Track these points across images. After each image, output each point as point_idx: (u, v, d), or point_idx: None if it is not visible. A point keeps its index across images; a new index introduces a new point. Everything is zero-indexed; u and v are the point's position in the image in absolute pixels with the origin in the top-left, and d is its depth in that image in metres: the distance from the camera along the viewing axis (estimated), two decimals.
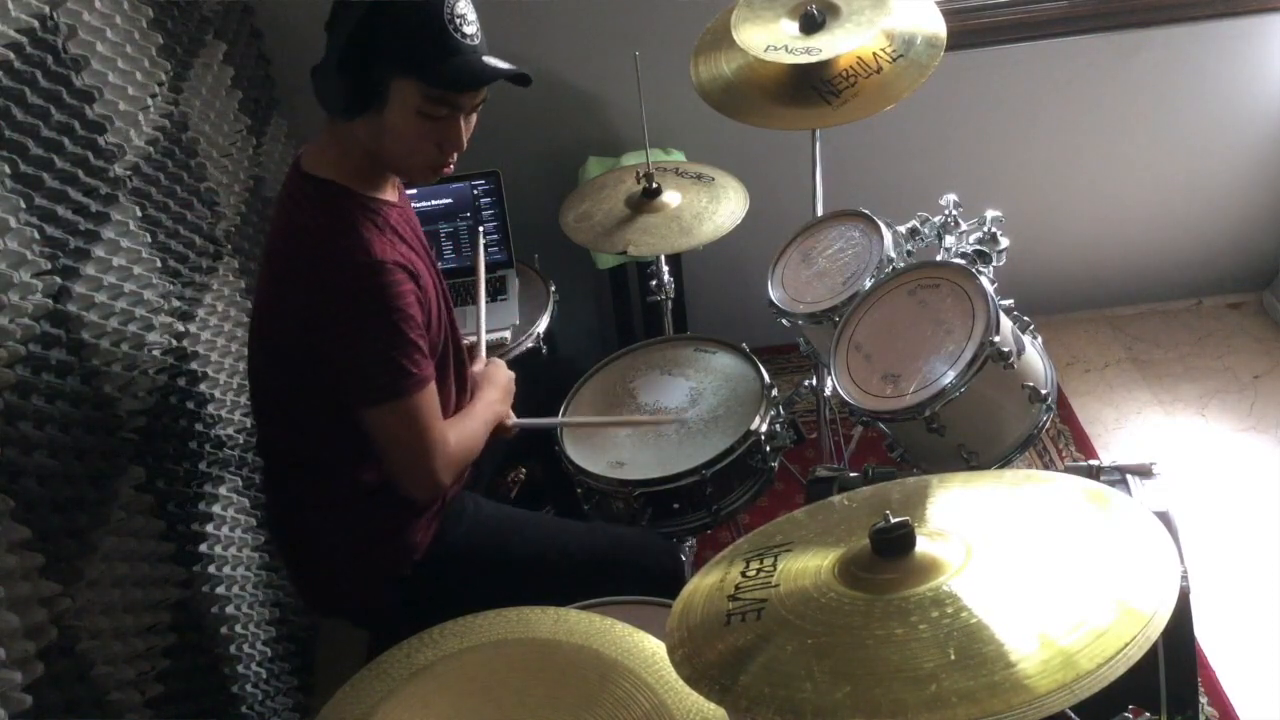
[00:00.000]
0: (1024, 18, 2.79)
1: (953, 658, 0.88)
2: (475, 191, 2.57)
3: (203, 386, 1.94)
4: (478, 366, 1.92)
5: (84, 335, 1.54)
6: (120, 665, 1.47)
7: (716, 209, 2.16)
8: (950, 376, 1.67)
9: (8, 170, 1.39)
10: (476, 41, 1.54)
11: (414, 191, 2.46)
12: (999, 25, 2.79)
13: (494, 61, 1.55)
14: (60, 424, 1.43)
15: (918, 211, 2.05)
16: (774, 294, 2.09)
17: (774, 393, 2.00)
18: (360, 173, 1.60)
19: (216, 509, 1.93)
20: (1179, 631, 1.40)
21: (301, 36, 1.94)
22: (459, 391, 1.80)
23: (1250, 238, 3.13)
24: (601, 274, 2.78)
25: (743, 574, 1.10)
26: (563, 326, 2.51)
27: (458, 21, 1.50)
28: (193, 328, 1.93)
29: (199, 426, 1.90)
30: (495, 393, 1.85)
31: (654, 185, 2.18)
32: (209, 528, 1.88)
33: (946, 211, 2.00)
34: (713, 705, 1.03)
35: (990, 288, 1.74)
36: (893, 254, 1.97)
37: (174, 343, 1.83)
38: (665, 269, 2.34)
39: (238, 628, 1.95)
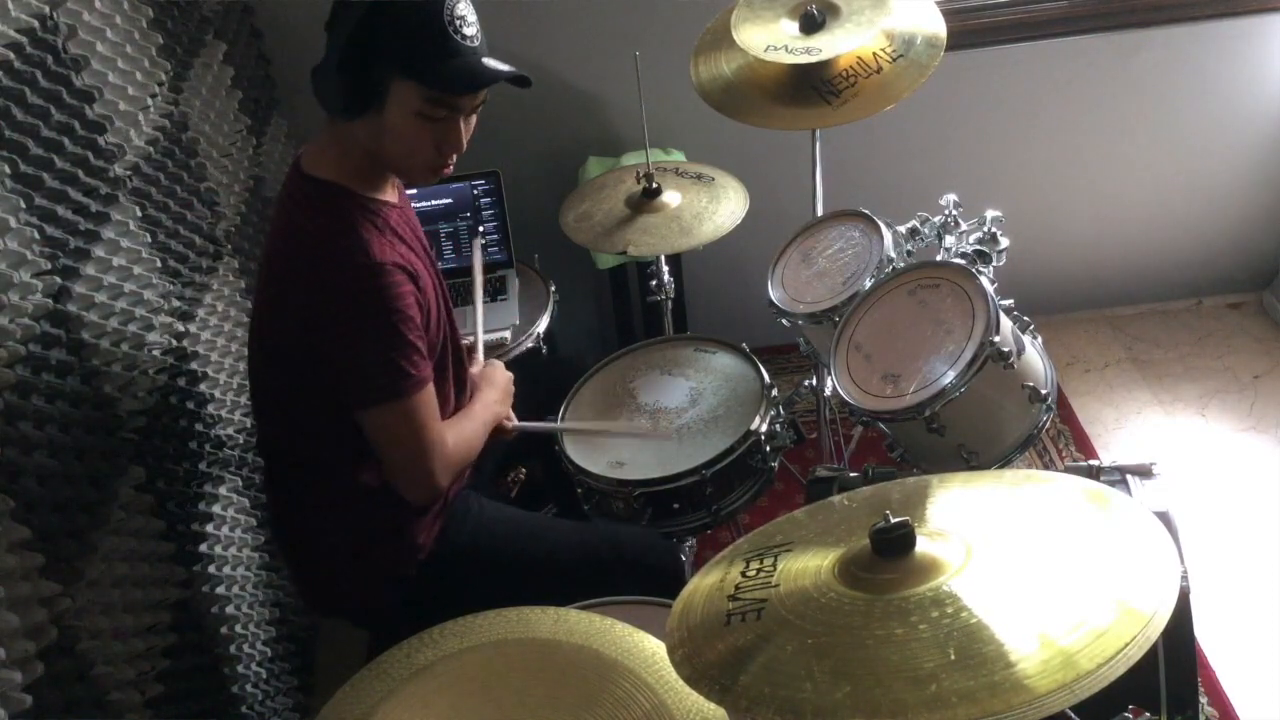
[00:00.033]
0: (1024, 18, 2.79)
1: (953, 658, 0.88)
2: (475, 191, 2.57)
3: (203, 386, 1.94)
4: (475, 367, 1.92)
5: (84, 335, 1.54)
6: (120, 665, 1.47)
7: (716, 209, 2.16)
8: (950, 376, 1.67)
9: (8, 170, 1.39)
10: (476, 43, 1.53)
11: (414, 191, 2.46)
12: (999, 25, 2.79)
13: (494, 63, 1.55)
14: (60, 424, 1.43)
15: (918, 211, 2.05)
16: (774, 294, 2.09)
17: (774, 393, 2.00)
18: (360, 173, 1.60)
19: (216, 509, 1.93)
20: (1179, 631, 1.40)
21: (301, 36, 1.94)
22: (458, 392, 1.80)
23: (1250, 238, 3.13)
24: (601, 274, 2.78)
25: (743, 574, 1.09)
26: (563, 326, 2.51)
27: (458, 23, 1.50)
28: (193, 328, 1.93)
29: (199, 426, 1.90)
30: (494, 393, 1.85)
31: (654, 185, 2.18)
32: (209, 528, 1.88)
33: (946, 211, 2.00)
34: (713, 705, 1.03)
35: (990, 288, 1.73)
36: (893, 254, 1.97)
37: (174, 343, 1.83)
38: (665, 269, 2.34)
39: (238, 628, 1.95)
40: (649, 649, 1.18)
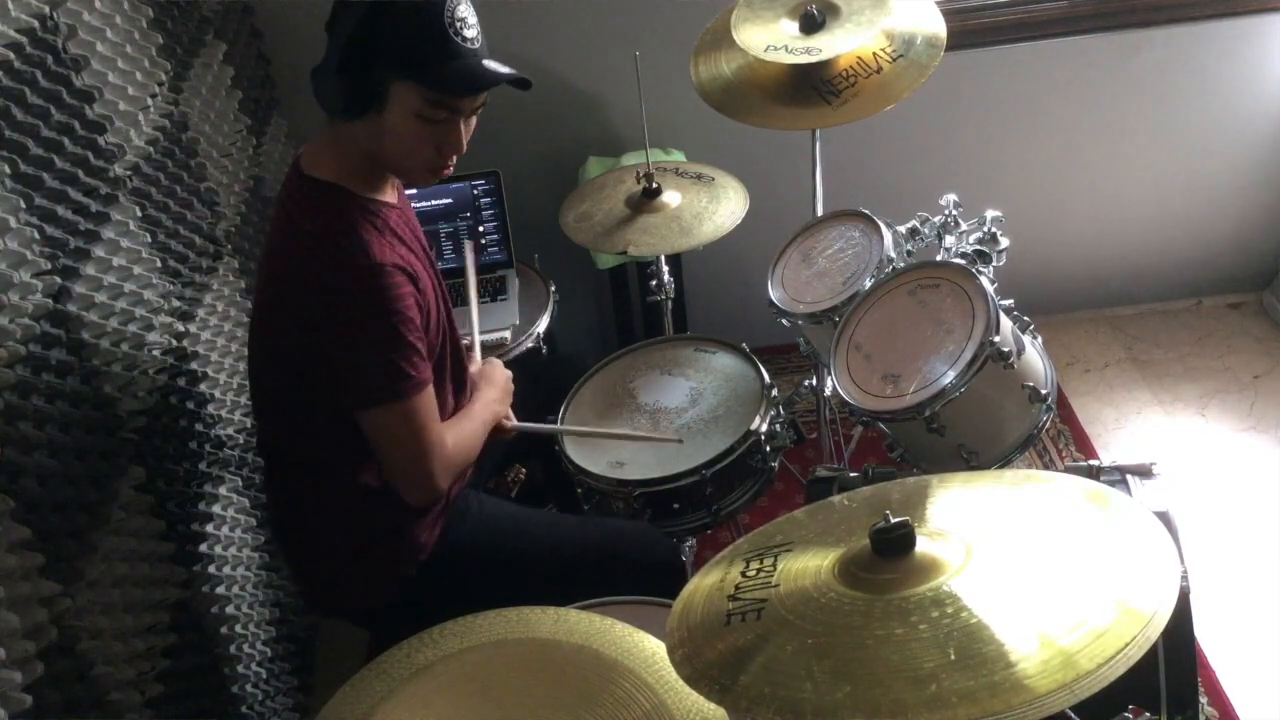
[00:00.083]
0: (1024, 18, 2.79)
1: (953, 658, 0.88)
2: (475, 191, 2.57)
3: (203, 386, 1.94)
4: (473, 366, 1.92)
5: (84, 335, 1.54)
6: (120, 665, 1.47)
7: (716, 209, 2.16)
8: (950, 376, 1.67)
9: (8, 170, 1.39)
10: (477, 45, 1.53)
11: (413, 191, 2.46)
12: (999, 25, 2.79)
13: (494, 65, 1.55)
14: (60, 424, 1.43)
15: (918, 211, 2.05)
16: (774, 294, 2.09)
17: (774, 393, 2.00)
18: (359, 174, 1.60)
19: (216, 509, 1.93)
20: (1179, 631, 1.40)
21: (301, 36, 1.94)
22: (457, 393, 1.80)
23: (1250, 238, 3.13)
24: (601, 274, 2.78)
25: (743, 574, 1.09)
26: (563, 326, 2.50)
27: (458, 25, 1.50)
28: (193, 328, 1.93)
29: (199, 426, 1.90)
30: (493, 392, 1.85)
31: (654, 185, 2.18)
32: (209, 528, 1.88)
33: (946, 211, 2.00)
34: (713, 705, 1.03)
35: (990, 288, 1.74)
36: (893, 254, 1.97)
37: (174, 343, 1.83)
38: (665, 269, 2.34)
39: (238, 628, 1.95)
40: (649, 649, 1.18)
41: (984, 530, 1.04)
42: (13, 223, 1.37)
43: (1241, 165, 3.01)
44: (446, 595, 1.67)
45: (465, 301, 2.15)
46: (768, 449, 1.95)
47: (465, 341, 1.98)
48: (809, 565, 1.06)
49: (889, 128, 2.62)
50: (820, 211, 2.36)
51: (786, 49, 2.06)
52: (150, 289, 1.77)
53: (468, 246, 2.29)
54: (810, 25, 2.09)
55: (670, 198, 2.19)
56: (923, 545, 1.01)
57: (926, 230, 2.03)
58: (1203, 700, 2.07)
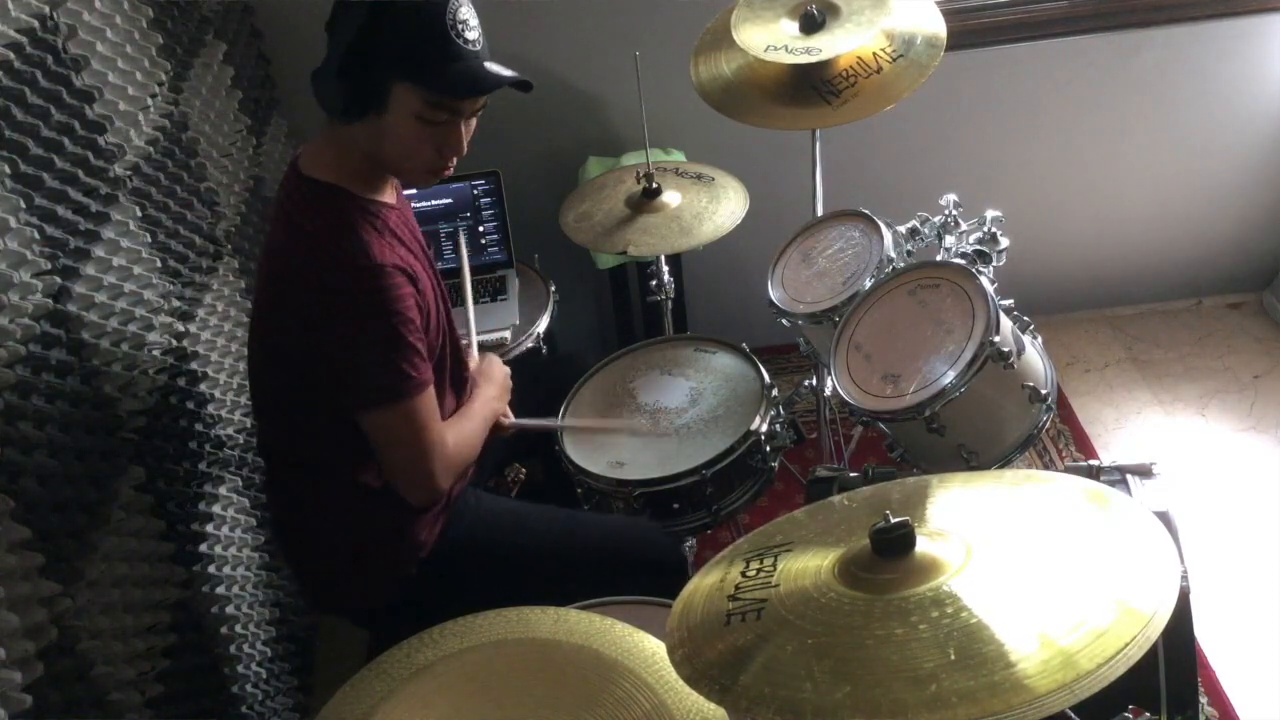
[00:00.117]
0: (1024, 18, 2.79)
1: (953, 658, 0.88)
2: (475, 191, 2.57)
3: (203, 386, 1.94)
4: (471, 364, 1.92)
5: (84, 335, 1.54)
6: (120, 665, 1.47)
7: (716, 209, 2.16)
8: (950, 376, 1.67)
9: (8, 170, 1.39)
10: (478, 47, 1.53)
11: (413, 191, 2.46)
12: (999, 25, 2.79)
13: (495, 68, 1.55)
14: (60, 424, 1.43)
15: (918, 211, 2.05)
16: (774, 294, 2.09)
17: (774, 393, 2.00)
18: (359, 175, 1.60)
19: (216, 509, 1.93)
20: (1179, 631, 1.40)
21: (301, 36, 1.94)
22: (456, 393, 1.80)
23: (1250, 238, 3.13)
24: (601, 274, 2.78)
25: (743, 574, 1.09)
26: (563, 326, 2.51)
27: (460, 27, 1.50)
28: (193, 328, 1.93)
29: (199, 426, 1.90)
30: (492, 389, 1.85)
31: (654, 185, 2.18)
32: (209, 528, 1.88)
33: (946, 211, 2.00)
34: (713, 705, 1.03)
35: (990, 288, 1.74)
36: (893, 254, 1.97)
37: (174, 343, 1.83)
38: (665, 269, 2.34)
39: (238, 628, 1.95)
40: (649, 649, 1.18)
41: (984, 530, 1.04)
42: (13, 223, 1.37)
43: (1241, 165, 3.01)
44: (447, 593, 1.68)
45: (462, 298, 2.15)
46: (768, 449, 1.95)
47: (464, 343, 1.99)
48: (809, 565, 1.06)
49: (889, 128, 2.62)
50: (820, 211, 2.36)
51: (786, 49, 2.06)
52: (150, 289, 1.77)
53: (462, 243, 2.29)
54: (810, 25, 2.09)
55: (670, 198, 2.19)
56: (923, 545, 1.01)
57: (926, 230, 2.03)
58: (1203, 700, 2.07)
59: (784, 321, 2.07)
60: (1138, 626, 0.87)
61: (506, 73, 1.55)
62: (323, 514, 1.75)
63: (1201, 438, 2.76)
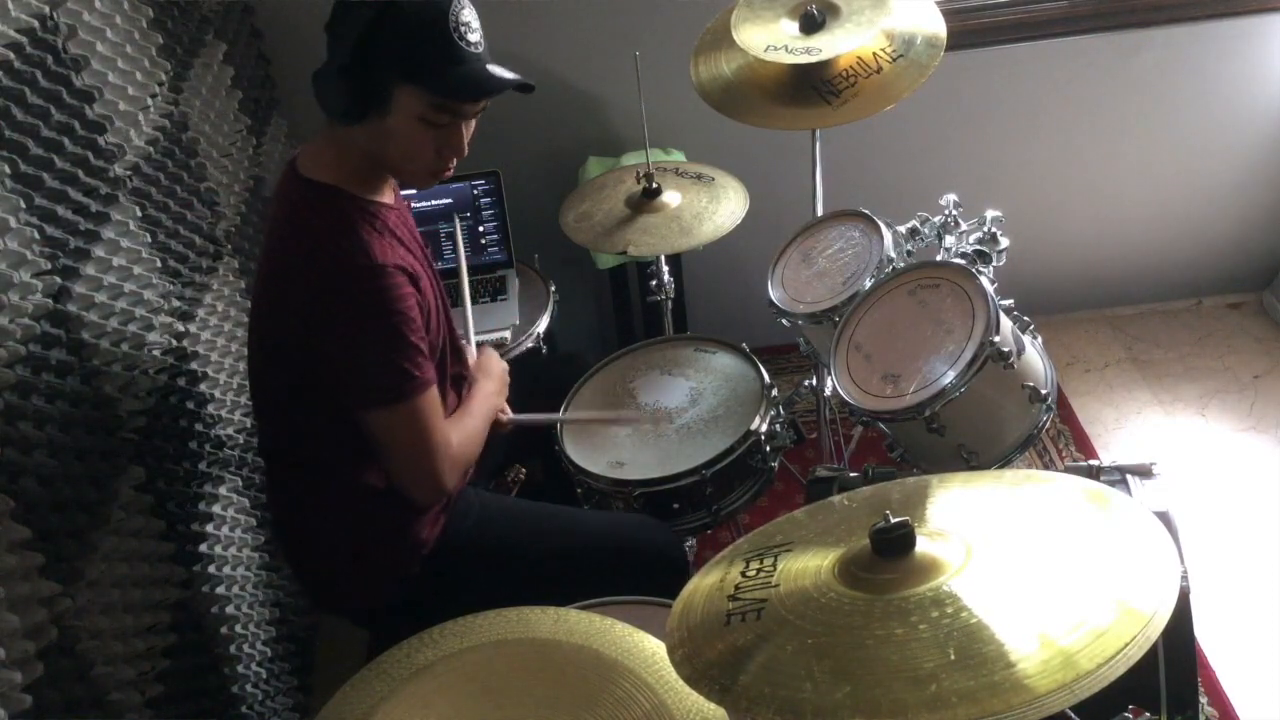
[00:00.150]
0: (1024, 18, 2.79)
1: (953, 658, 0.88)
2: (475, 191, 2.57)
3: (203, 386, 1.94)
4: (469, 358, 1.92)
5: (84, 335, 1.54)
6: (120, 665, 1.47)
7: (716, 209, 2.16)
8: (950, 376, 1.67)
9: (8, 170, 1.39)
10: (480, 50, 1.54)
11: (412, 191, 2.46)
12: (999, 25, 2.79)
13: (498, 71, 1.55)
14: (60, 424, 1.43)
15: (918, 211, 2.05)
16: (774, 294, 2.09)
17: (774, 393, 2.00)
18: (358, 176, 1.60)
19: (216, 509, 1.93)
20: (1179, 631, 1.40)
21: (301, 36, 1.94)
22: (456, 392, 1.80)
23: (1250, 238, 3.13)
24: (601, 274, 2.78)
25: (743, 574, 1.09)
26: (563, 326, 2.51)
27: (462, 30, 1.50)
28: (193, 328, 1.93)
29: (199, 426, 1.90)
30: (491, 384, 1.85)
31: (654, 185, 2.18)
32: (209, 528, 1.88)
33: (946, 211, 2.00)
34: (713, 705, 1.03)
35: (990, 288, 1.74)
36: (893, 254, 1.97)
37: (174, 343, 1.83)
38: (665, 269, 2.34)
39: (238, 628, 1.95)
40: (649, 649, 1.18)
41: (984, 530, 1.04)
42: (13, 223, 1.37)
43: (1241, 165, 3.01)
44: (447, 593, 1.68)
45: (459, 292, 2.16)
46: (768, 449, 1.95)
47: (463, 341, 1.99)
48: (809, 565, 1.06)
49: (889, 128, 2.62)
50: (820, 211, 2.36)
51: (786, 49, 2.06)
52: (150, 289, 1.77)
53: (456, 224, 2.29)
54: (810, 25, 2.09)
55: (670, 198, 2.19)
56: (923, 545, 1.01)
57: (926, 230, 2.03)
58: (1203, 700, 2.07)
59: (784, 321, 2.07)
60: (1138, 626, 0.87)
61: (511, 76, 1.56)
62: (323, 514, 1.75)
63: (1201, 438, 2.76)
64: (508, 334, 2.37)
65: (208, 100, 2.17)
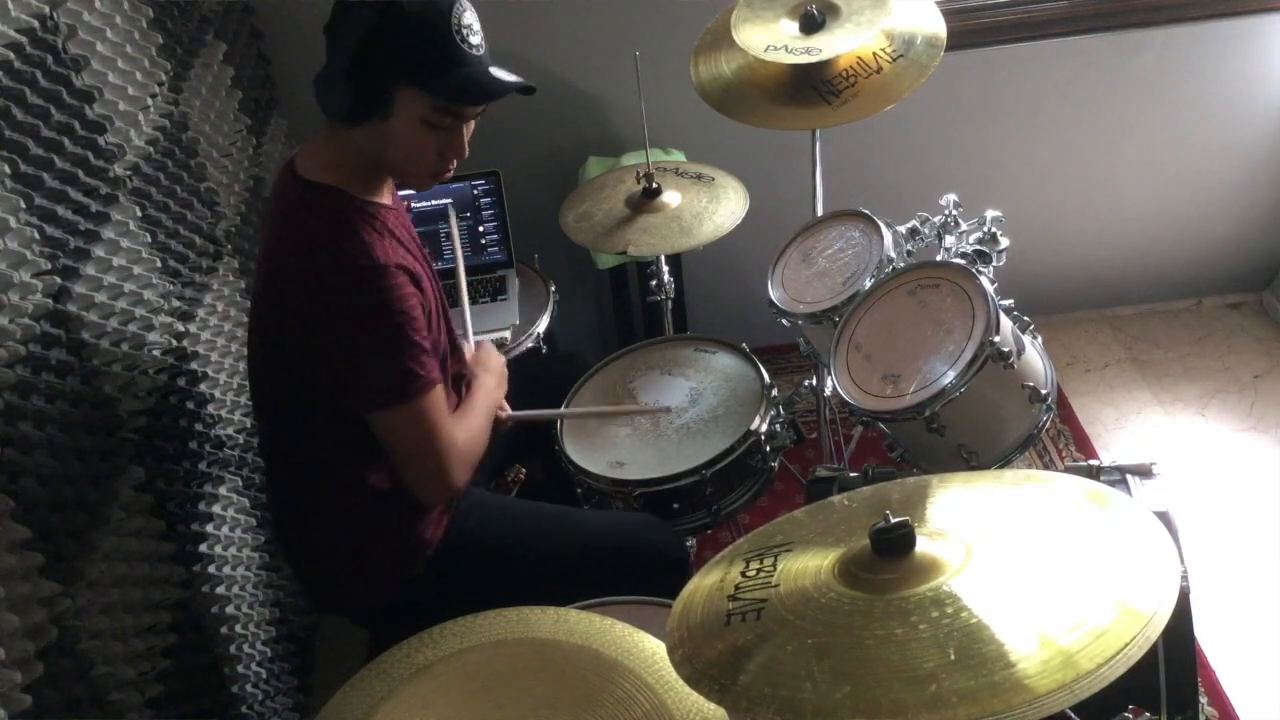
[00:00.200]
0: (1024, 18, 2.79)
1: (953, 658, 0.88)
2: (475, 191, 2.57)
3: (203, 386, 1.94)
4: (467, 354, 1.92)
5: (84, 335, 1.54)
6: (120, 665, 1.47)
7: (716, 209, 2.16)
8: (950, 376, 1.67)
9: (8, 170, 1.39)
10: (482, 52, 1.54)
11: (411, 191, 2.45)
12: (999, 25, 2.79)
13: (501, 73, 1.55)
14: (60, 424, 1.43)
15: (918, 211, 2.05)
16: (774, 294, 2.09)
17: (774, 393, 2.00)
18: (358, 176, 1.60)
19: (216, 509, 1.93)
20: (1179, 631, 1.40)
21: (301, 37, 1.94)
22: (456, 391, 1.80)
23: (1250, 238, 3.13)
24: (601, 274, 2.78)
25: (743, 574, 1.10)
26: (563, 326, 2.51)
27: (464, 32, 1.50)
28: (193, 328, 1.93)
29: (199, 426, 1.90)
30: (491, 379, 1.85)
31: (654, 185, 2.18)
32: (209, 528, 1.88)
33: (946, 211, 2.00)
34: (713, 705, 1.03)
35: (990, 288, 1.74)
36: (893, 254, 1.97)
37: (174, 343, 1.83)
38: (665, 269, 2.34)
39: (238, 628, 1.95)
40: (649, 649, 1.18)
41: (984, 530, 1.04)
42: (13, 223, 1.37)
43: (1241, 165, 3.01)
44: (448, 593, 1.68)
45: (458, 288, 2.16)
46: (768, 449, 1.95)
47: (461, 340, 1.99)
48: (809, 565, 1.06)
49: (889, 128, 2.63)
50: (820, 211, 2.36)
51: (786, 49, 2.07)
52: (150, 289, 1.77)
53: (451, 211, 2.29)
54: (810, 25, 2.09)
55: (670, 198, 2.19)
56: (923, 545, 1.01)
57: (926, 230, 2.03)
58: (1203, 700, 2.07)
59: (784, 321, 2.08)
60: (1138, 626, 0.87)
61: (513, 79, 1.56)
62: (323, 514, 1.75)
63: (1201, 438, 2.76)
64: (508, 334, 2.38)
65: (208, 100, 2.17)
